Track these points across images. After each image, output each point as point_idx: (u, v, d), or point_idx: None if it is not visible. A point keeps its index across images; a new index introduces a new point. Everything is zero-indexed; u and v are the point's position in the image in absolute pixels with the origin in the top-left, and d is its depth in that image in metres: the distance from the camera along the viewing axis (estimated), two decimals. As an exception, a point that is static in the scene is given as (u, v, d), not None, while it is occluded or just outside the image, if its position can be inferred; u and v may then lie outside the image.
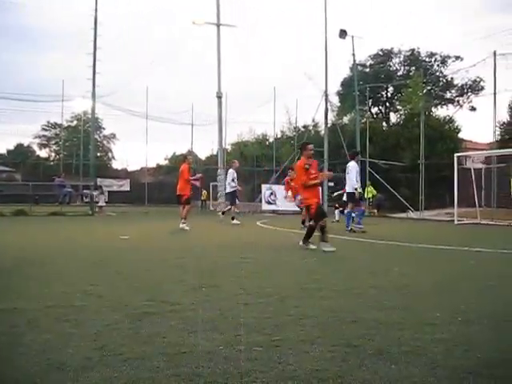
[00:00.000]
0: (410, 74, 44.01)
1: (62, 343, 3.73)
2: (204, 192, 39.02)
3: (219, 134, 30.88)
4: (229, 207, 20.02)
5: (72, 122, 54.93)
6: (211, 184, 35.84)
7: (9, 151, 55.64)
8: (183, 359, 3.38)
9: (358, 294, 5.71)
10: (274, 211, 30.18)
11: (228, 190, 19.77)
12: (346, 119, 42.77)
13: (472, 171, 21.75)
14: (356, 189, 15.61)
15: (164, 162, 56.45)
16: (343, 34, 33.12)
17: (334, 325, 4.32)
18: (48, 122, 57.09)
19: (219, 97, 30.27)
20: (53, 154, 60.19)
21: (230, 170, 19.85)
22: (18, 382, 3.00)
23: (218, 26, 29.62)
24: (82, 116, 47.70)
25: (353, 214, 15.98)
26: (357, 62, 38.12)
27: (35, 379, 3.00)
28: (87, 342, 3.75)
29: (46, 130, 59.71)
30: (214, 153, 41.07)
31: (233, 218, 18.93)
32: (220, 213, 20.67)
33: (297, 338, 3.89)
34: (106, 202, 33.29)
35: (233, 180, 19.23)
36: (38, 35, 64.57)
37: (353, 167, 15.91)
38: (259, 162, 44.29)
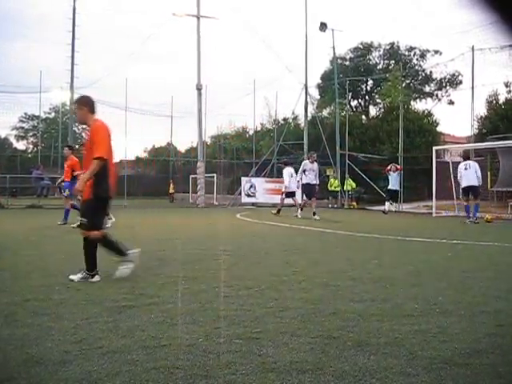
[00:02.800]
0: (390, 67, 44.20)
1: (41, 337, 3.70)
2: (171, 185, 38.70)
3: (199, 127, 30.73)
4: (304, 201, 19.47)
5: (50, 113, 54.39)
6: (191, 177, 35.71)
7: (-15, 144, 54.97)
8: (163, 352, 3.38)
9: (337, 286, 5.74)
10: (253, 204, 30.18)
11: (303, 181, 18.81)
12: (325, 112, 42.82)
13: (450, 164, 21.89)
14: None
15: (143, 155, 56.09)
16: (323, 27, 33.09)
17: (314, 317, 4.35)
18: (25, 114, 56.41)
19: (199, 89, 30.12)
20: (30, 147, 59.52)
21: (305, 161, 19.36)
22: (-4, 376, 2.98)
23: (198, 17, 29.45)
24: (60, 108, 47.21)
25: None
26: (337, 55, 38.17)
27: (13, 374, 2.98)
28: (66, 336, 3.73)
29: (23, 121, 59.00)
30: (194, 145, 40.89)
31: (302, 209, 19.05)
32: (299, 210, 18.89)
33: (276, 330, 3.91)
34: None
35: (304, 172, 18.57)
36: (16, 24, 63.66)
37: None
38: (239, 154, 44.23)
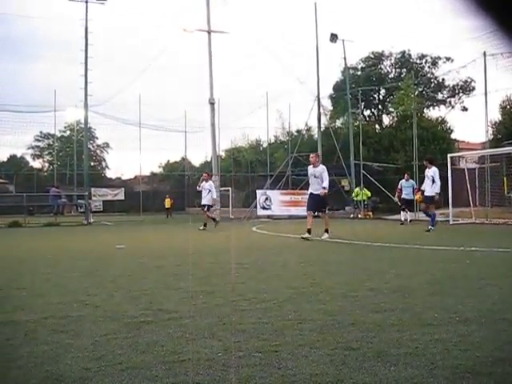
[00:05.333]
0: (402, 76, 44.16)
1: (60, 354, 3.71)
2: (167, 200, 38.47)
3: (212, 141, 30.85)
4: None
5: (65, 132, 54.87)
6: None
7: (2, 163, 55.44)
8: (182, 367, 3.37)
9: (356, 296, 5.71)
10: (269, 216, 30.17)
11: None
12: (338, 123, 42.82)
13: (466, 171, 21.79)
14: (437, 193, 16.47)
15: (158, 170, 56.35)
16: (334, 37, 33.22)
17: (333, 328, 4.32)
18: (41, 133, 56.90)
19: (212, 103, 30.26)
20: (46, 165, 60.01)
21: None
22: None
23: (209, 32, 29.65)
24: (74, 126, 47.62)
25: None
26: (348, 65, 38.22)
27: (33, 391, 2.98)
28: (85, 353, 3.73)
29: (38, 140, 59.56)
30: (208, 159, 41.00)
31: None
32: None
33: (296, 343, 3.89)
34: (101, 212, 33.27)
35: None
36: (29, 45, 64.52)
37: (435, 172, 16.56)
38: (253, 167, 44.30)
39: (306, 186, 30.66)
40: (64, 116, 38.65)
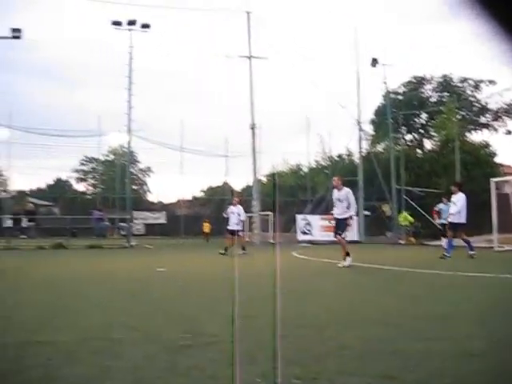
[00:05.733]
0: (443, 99, 43.72)
1: (100, 376, 3.73)
2: (206, 224, 38.40)
3: (253, 165, 31.04)
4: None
5: (108, 156, 55.82)
6: (246, 215, 35.87)
7: (48, 185, 56.70)
8: (220, 392, 3.35)
9: (397, 324, 5.60)
10: (309, 241, 30.02)
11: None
12: (380, 147, 42.58)
13: (511, 196, 21.32)
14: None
15: (200, 194, 56.76)
16: (374, 62, 33.20)
17: (373, 356, 4.24)
18: (85, 157, 58.08)
19: (253, 128, 30.48)
20: (90, 188, 61.10)
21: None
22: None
23: (250, 58, 29.99)
24: (118, 150, 48.46)
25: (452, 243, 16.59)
26: (389, 89, 38.08)
27: (74, 412, 3.01)
28: (125, 375, 3.75)
29: (83, 164, 60.76)
30: (249, 184, 41.14)
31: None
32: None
33: (335, 370, 3.83)
34: (143, 235, 33.64)
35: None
36: (75, 70, 66.21)
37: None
38: (294, 192, 44.25)
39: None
40: (108, 140, 39.40)
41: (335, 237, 13.67)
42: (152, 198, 59.87)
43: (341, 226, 13.45)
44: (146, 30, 30.08)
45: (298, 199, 41.26)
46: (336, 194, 13.68)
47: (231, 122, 65.83)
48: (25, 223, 31.31)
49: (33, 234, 30.45)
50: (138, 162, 59.19)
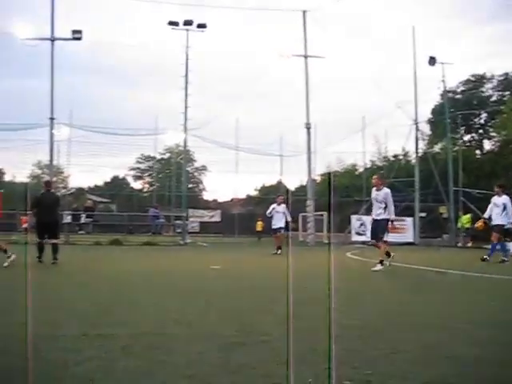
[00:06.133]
0: (504, 98, 42.50)
1: (154, 370, 3.80)
2: (259, 223, 38.31)
3: (308, 165, 30.95)
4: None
5: (165, 154, 56.63)
6: (300, 215, 35.78)
7: (106, 183, 57.99)
8: (272, 391, 3.36)
9: (452, 327, 5.50)
10: (363, 242, 29.72)
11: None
12: (437, 148, 41.76)
13: None
14: None
15: (254, 193, 56.93)
16: (432, 61, 32.60)
17: (427, 360, 4.17)
18: (142, 155, 59.10)
19: (308, 127, 30.38)
20: (146, 186, 62.15)
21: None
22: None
23: (306, 57, 29.91)
24: (174, 149, 49.10)
25: (497, 247, 15.90)
26: (447, 88, 37.31)
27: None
28: (178, 370, 3.80)
29: (140, 162, 61.83)
30: (304, 183, 41.00)
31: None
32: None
33: (387, 373, 3.79)
34: (198, 232, 34.04)
35: None
36: (133, 71, 67.47)
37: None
38: (348, 192, 43.87)
39: (403, 212, 29.91)
40: (164, 139, 39.96)
41: (371, 240, 13.11)
42: (207, 196, 60.45)
43: (377, 227, 12.81)
44: (203, 29, 30.37)
45: (352, 199, 40.89)
46: (374, 193, 13.05)
47: (286, 121, 65.68)
48: (83, 219, 32.13)
49: (91, 229, 31.20)
50: (194, 160, 59.82)
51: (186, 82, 30.21)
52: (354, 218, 31.03)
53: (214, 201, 55.25)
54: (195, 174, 65.80)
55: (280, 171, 45.03)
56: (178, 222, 33.53)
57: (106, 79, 70.27)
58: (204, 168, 62.70)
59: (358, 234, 30.43)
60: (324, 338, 4.95)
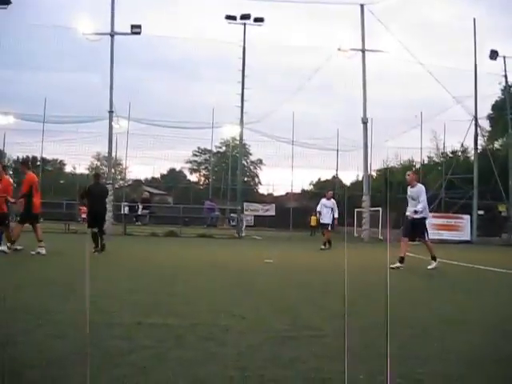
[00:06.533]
0: None
1: (207, 361, 3.86)
2: (313, 217, 37.98)
3: (364, 160, 30.63)
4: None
5: (221, 147, 57.03)
6: (356, 210, 35.48)
7: (162, 175, 58.84)
8: (323, 386, 3.36)
9: (507, 330, 5.36)
10: (419, 240, 29.24)
11: None
12: (497, 144, 40.65)
13: None
14: None
15: (309, 188, 56.72)
16: (494, 54, 31.69)
17: (480, 362, 4.09)
18: (198, 148, 59.66)
19: (365, 122, 30.06)
20: (202, 179, 62.78)
21: None
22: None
23: (364, 51, 29.57)
24: (230, 142, 49.38)
25: None
26: (509, 83, 36.20)
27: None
28: (230, 362, 3.85)
29: (196, 155, 62.45)
30: (360, 179, 40.62)
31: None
32: None
33: (440, 373, 3.74)
34: (252, 226, 34.22)
35: None
36: (191, 65, 68.04)
37: None
38: (405, 188, 43.19)
39: (461, 209, 29.19)
40: (220, 133, 40.21)
41: (402, 238, 12.35)
42: (262, 190, 60.55)
43: (415, 227, 12.25)
44: (260, 23, 30.38)
45: (409, 196, 40.24)
46: (409, 190, 12.58)
47: (343, 116, 65.09)
48: (140, 211, 32.71)
49: (147, 221, 31.74)
50: (250, 154, 60.05)
51: (243, 76, 30.32)
52: (411, 214, 30.53)
53: (269, 195, 55.30)
54: (251, 167, 66.07)
55: (336, 166, 44.70)
56: (232, 215, 33.75)
57: (164, 73, 71.06)
58: (260, 162, 62.82)
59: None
60: (377, 334, 4.91)
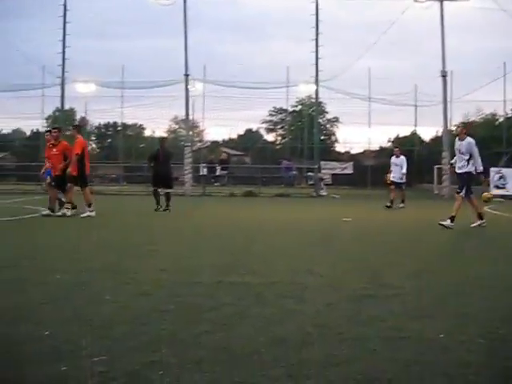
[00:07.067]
0: None
1: (285, 318, 3.93)
2: (389, 175, 37.06)
3: (444, 115, 29.67)
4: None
5: (296, 106, 56.58)
6: (435, 167, 34.61)
7: (239, 136, 59.18)
8: (402, 344, 3.35)
9: None
10: (502, 196, 28.25)
11: None
12: None
13: None
14: None
15: (387, 145, 55.70)
16: None
17: None
18: (274, 108, 59.45)
19: (444, 76, 29.01)
20: (279, 138, 62.65)
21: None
22: (244, 349, 3.22)
23: (442, 1, 28.36)
24: (305, 101, 48.96)
25: None
26: None
27: (260, 349, 3.21)
28: (308, 319, 3.90)
29: (272, 115, 62.28)
30: (439, 134, 39.48)
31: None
32: None
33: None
34: (330, 184, 34.08)
35: None
36: (264, 24, 67.36)
37: None
38: (487, 143, 41.63)
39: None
40: (296, 91, 39.91)
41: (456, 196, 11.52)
42: (339, 148, 59.88)
43: (461, 182, 11.57)
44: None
45: (491, 151, 38.82)
46: (457, 143, 11.78)
47: (421, 70, 62.96)
48: (218, 171, 33.19)
49: (225, 181, 32.17)
50: (326, 112, 59.30)
51: (317, 33, 29.79)
52: (492, 170, 29.49)
53: (346, 153, 54.66)
54: (327, 125, 65.35)
55: (414, 122, 43.58)
56: (309, 174, 33.67)
57: (237, 33, 70.72)
58: (336, 119, 61.99)
59: (497, 187, 28.93)
60: (456, 293, 4.85)
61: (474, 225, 11.22)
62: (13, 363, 2.98)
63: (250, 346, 3.28)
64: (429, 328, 3.71)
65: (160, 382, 2.72)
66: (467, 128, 12.09)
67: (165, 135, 40.13)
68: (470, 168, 11.39)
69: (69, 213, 12.41)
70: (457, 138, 11.95)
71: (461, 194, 11.33)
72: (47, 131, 14.87)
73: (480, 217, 11.33)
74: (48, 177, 13.44)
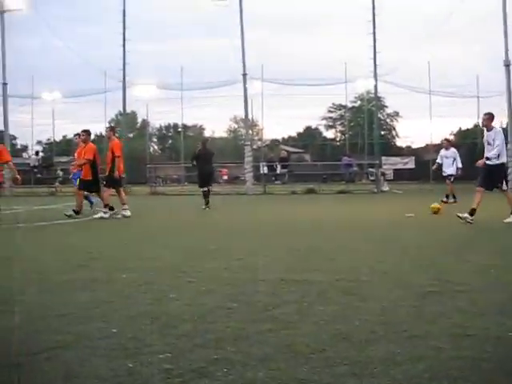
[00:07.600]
0: None
1: (349, 315, 3.92)
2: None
3: (508, 106, 28.79)
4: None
5: (355, 102, 56.06)
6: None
7: (299, 134, 59.15)
8: (468, 342, 3.28)
9: None
10: None
11: None
12: None
13: None
14: None
15: (450, 138, 54.53)
16: None
17: None
18: (333, 104, 59.07)
19: (507, 65, 28.14)
20: (338, 135, 62.23)
21: None
22: (307, 346, 3.23)
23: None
24: (364, 96, 48.44)
25: None
26: None
27: (324, 346, 3.21)
28: (372, 316, 3.88)
29: (331, 111, 61.90)
30: (504, 126, 38.39)
31: None
32: None
33: None
34: (391, 180, 33.63)
35: None
36: (317, 20, 66.97)
37: None
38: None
39: None
40: (354, 87, 39.51)
41: (477, 188, 10.98)
42: (400, 142, 58.99)
43: (494, 175, 10.95)
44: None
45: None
46: (485, 134, 11.26)
47: (483, 60, 61.30)
48: (278, 170, 33.23)
49: (286, 179, 32.18)
50: (386, 106, 58.51)
51: (374, 27, 29.44)
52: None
53: (408, 147, 53.79)
54: (387, 120, 64.43)
55: (477, 114, 42.44)
56: (370, 169, 33.32)
57: (293, 32, 70.51)
58: (396, 114, 61.08)
59: None
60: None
61: (507, 220, 10.63)
62: (84, 358, 3.08)
63: (314, 343, 3.29)
64: (496, 325, 3.63)
65: (224, 379, 2.76)
66: (492, 117, 11.41)
67: (206, 136, 40.43)
68: (501, 159, 10.91)
69: (128, 213, 12.86)
70: (485, 129, 11.41)
71: (503, 188, 11.09)
72: (76, 134, 15.03)
73: (472, 213, 10.57)
74: (78, 179, 13.35)
